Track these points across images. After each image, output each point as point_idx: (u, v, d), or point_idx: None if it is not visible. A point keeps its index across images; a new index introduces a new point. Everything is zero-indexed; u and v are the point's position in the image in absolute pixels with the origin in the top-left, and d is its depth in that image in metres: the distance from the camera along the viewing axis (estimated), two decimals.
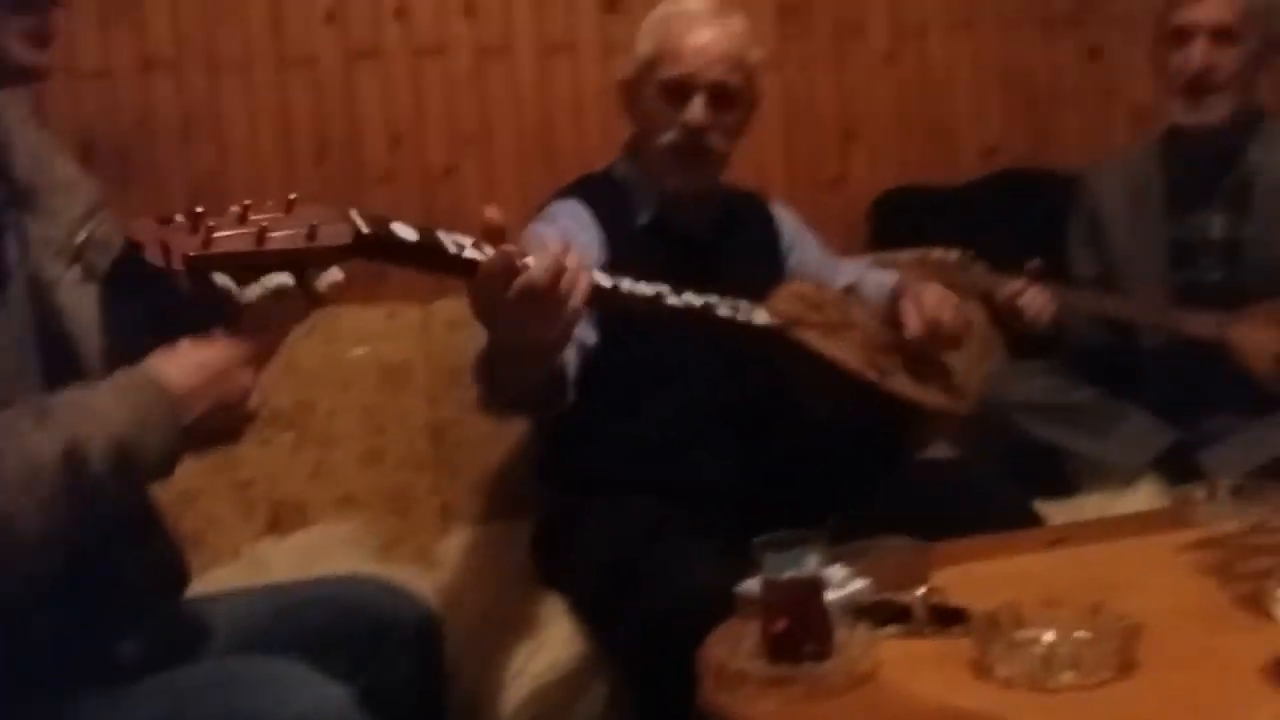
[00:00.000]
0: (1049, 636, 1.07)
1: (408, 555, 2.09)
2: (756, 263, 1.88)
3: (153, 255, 0.99)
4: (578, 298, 1.22)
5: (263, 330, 1.14)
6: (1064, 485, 2.02)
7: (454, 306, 2.23)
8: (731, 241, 1.87)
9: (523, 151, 2.51)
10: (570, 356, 1.50)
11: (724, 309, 1.58)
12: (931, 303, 1.81)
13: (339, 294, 1.08)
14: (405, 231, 1.13)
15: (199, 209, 1.02)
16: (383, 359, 2.17)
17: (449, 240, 1.17)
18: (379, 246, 1.10)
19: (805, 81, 2.68)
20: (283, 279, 1.04)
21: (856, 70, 2.71)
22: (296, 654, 1.19)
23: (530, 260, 1.18)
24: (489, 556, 1.98)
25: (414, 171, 2.48)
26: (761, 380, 1.75)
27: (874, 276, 2.03)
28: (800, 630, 1.09)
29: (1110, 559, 1.36)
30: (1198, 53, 2.04)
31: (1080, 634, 1.07)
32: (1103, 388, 2.14)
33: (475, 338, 1.48)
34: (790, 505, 1.66)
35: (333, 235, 1.05)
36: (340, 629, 1.32)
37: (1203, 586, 1.22)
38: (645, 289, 1.39)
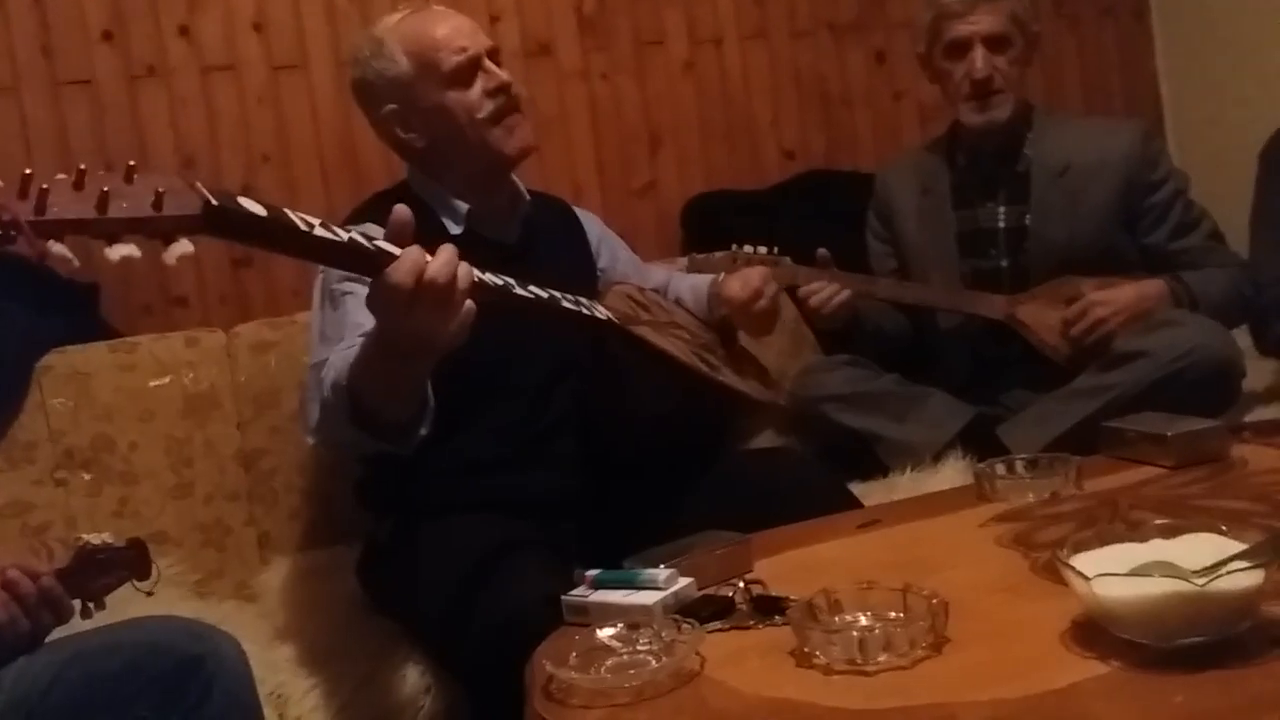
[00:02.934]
0: (863, 620, 1.11)
1: (227, 590, 2.02)
2: (568, 266, 1.88)
3: None
4: (469, 296, 1.23)
5: None
6: (876, 467, 2.10)
7: (257, 330, 2.17)
8: (541, 246, 1.87)
9: (325, 167, 2.46)
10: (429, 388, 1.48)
11: (567, 302, 1.58)
12: (755, 276, 1.90)
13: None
14: (253, 206, 1.09)
15: (27, 170, 0.95)
16: (186, 388, 2.08)
17: (297, 217, 1.13)
18: (227, 219, 1.06)
19: (611, 92, 2.71)
20: (129, 250, 0.99)
21: (659, 80, 2.76)
22: (92, 704, 1.13)
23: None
24: (312, 586, 1.92)
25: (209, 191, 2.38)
26: (594, 385, 1.75)
27: (686, 280, 2.07)
28: None
29: (919, 538, 1.41)
30: (979, 61, 2.17)
31: (893, 615, 1.10)
32: (902, 374, 2.24)
33: (322, 367, 1.47)
34: (628, 507, 1.67)
35: (180, 205, 1.01)
36: (141, 672, 1.27)
37: (1006, 559, 1.28)
38: (494, 279, 1.38)
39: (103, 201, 0.97)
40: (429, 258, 1.20)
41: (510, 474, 1.72)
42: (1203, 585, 0.94)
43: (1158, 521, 1.12)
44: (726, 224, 2.49)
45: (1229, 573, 0.95)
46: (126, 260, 0.99)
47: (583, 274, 1.89)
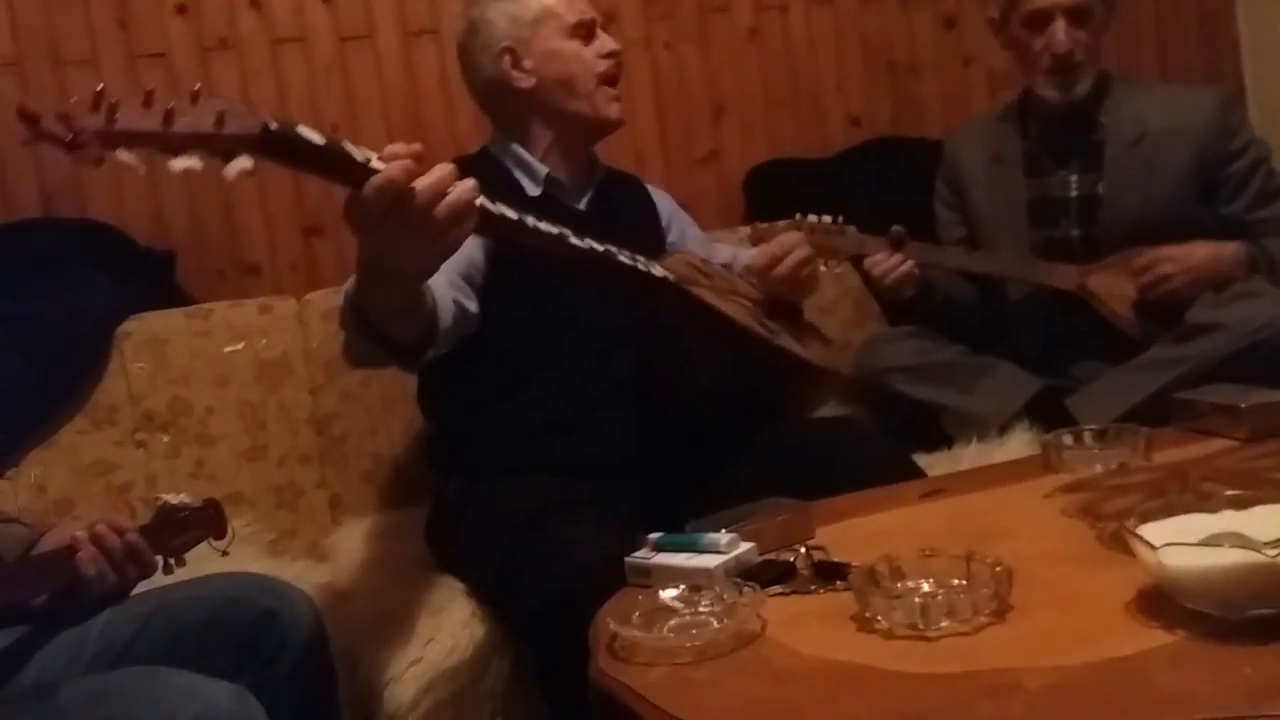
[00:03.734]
0: (926, 586, 1.11)
1: (299, 550, 2.07)
2: (638, 237, 1.90)
3: (51, 128, 0.98)
4: (460, 220, 1.19)
5: None
6: (941, 439, 2.09)
7: (329, 298, 2.20)
8: (612, 214, 1.89)
9: (392, 137, 2.47)
10: (445, 301, 1.49)
11: (624, 257, 1.59)
12: (777, 243, 1.89)
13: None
14: (311, 134, 1.12)
15: (99, 86, 1.01)
16: (259, 354, 2.12)
17: (355, 149, 1.15)
18: (285, 144, 1.10)
19: (674, 61, 2.71)
20: (191, 162, 1.03)
21: (722, 47, 2.74)
22: (173, 654, 1.17)
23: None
24: (382, 547, 1.96)
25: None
26: (653, 348, 1.76)
27: (748, 254, 2.06)
28: None
29: (983, 508, 1.41)
30: (1061, 34, 2.11)
31: (955, 582, 1.10)
32: (970, 344, 2.22)
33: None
34: (687, 472, 1.69)
35: (240, 125, 1.05)
36: (219, 627, 1.31)
37: (1071, 529, 1.27)
38: (549, 228, 1.39)
39: (168, 117, 1.02)
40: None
41: (570, 437, 1.74)
42: (1274, 556, 0.93)
43: (1228, 493, 1.11)
44: (790, 192, 2.47)
45: None
46: (188, 174, 1.04)
47: (650, 247, 1.89)
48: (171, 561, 1.41)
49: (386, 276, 1.28)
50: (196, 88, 1.06)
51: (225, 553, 1.49)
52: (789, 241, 1.89)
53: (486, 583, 1.65)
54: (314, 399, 2.14)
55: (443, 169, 1.18)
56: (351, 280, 1.44)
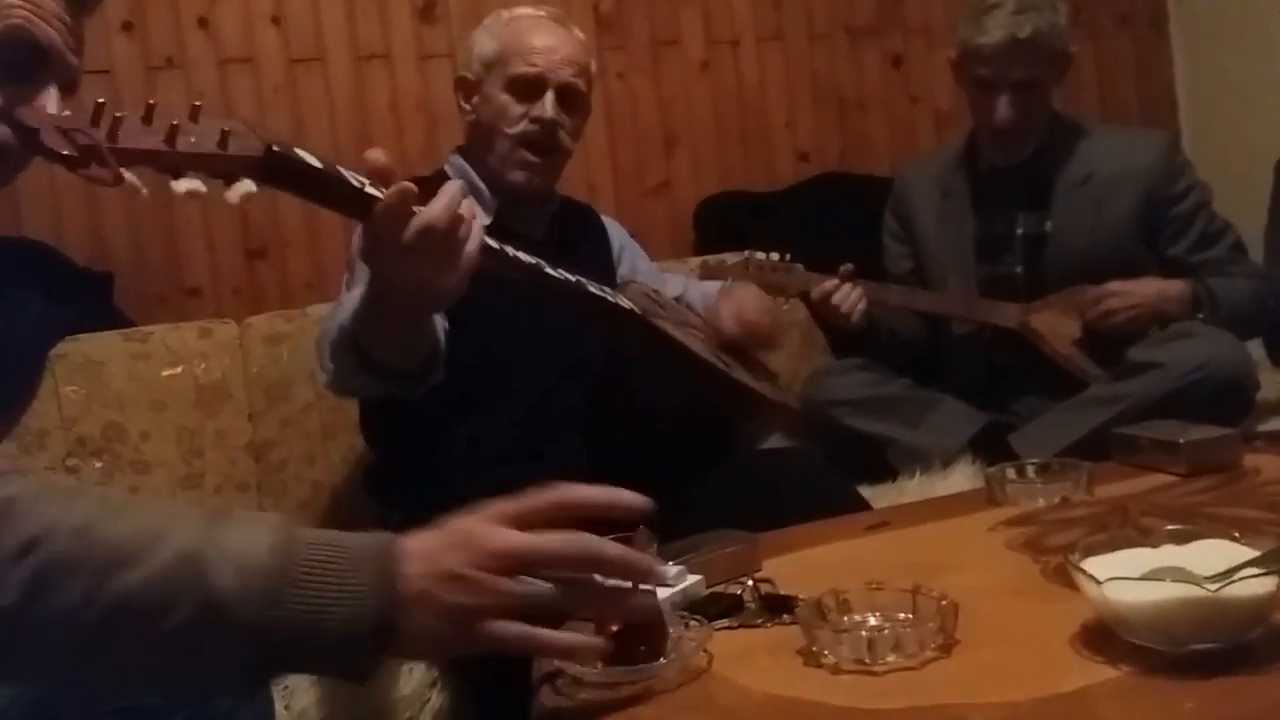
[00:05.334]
0: (872, 620, 1.10)
1: None
2: (588, 268, 1.89)
3: (50, 142, 0.92)
4: (472, 245, 1.20)
5: None
6: (885, 471, 2.10)
7: (270, 322, 2.17)
8: (565, 246, 1.88)
9: (339, 161, 2.45)
10: (440, 332, 1.49)
11: (593, 287, 1.58)
12: (750, 306, 1.87)
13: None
14: (310, 157, 1.10)
15: (100, 100, 0.96)
16: (198, 378, 2.08)
17: (349, 174, 1.14)
18: (286, 166, 1.07)
19: (626, 91, 2.72)
20: (194, 185, 1.00)
21: (674, 80, 2.76)
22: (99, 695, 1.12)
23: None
24: None
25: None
26: (604, 379, 1.76)
27: (698, 288, 2.08)
28: (633, 632, 1.09)
29: (929, 541, 1.41)
30: (1003, 110, 2.11)
31: (902, 616, 1.10)
32: (914, 378, 2.24)
33: (338, 309, 1.48)
34: None
35: (243, 146, 1.02)
36: None
37: (1015, 562, 1.27)
38: (527, 257, 1.37)
39: (171, 135, 0.98)
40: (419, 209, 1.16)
41: (517, 468, 1.72)
42: (1215, 591, 0.93)
43: (1169, 527, 1.11)
44: (739, 225, 2.49)
45: (1241, 579, 0.94)
46: (192, 196, 1.00)
47: (602, 278, 1.89)
48: None
49: (405, 305, 1.28)
50: (197, 104, 1.02)
51: None
52: (755, 305, 1.87)
53: None
54: (253, 425, 2.11)
55: (455, 186, 1.18)
56: (344, 312, 1.44)
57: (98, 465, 2.01)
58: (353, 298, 1.45)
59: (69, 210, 2.29)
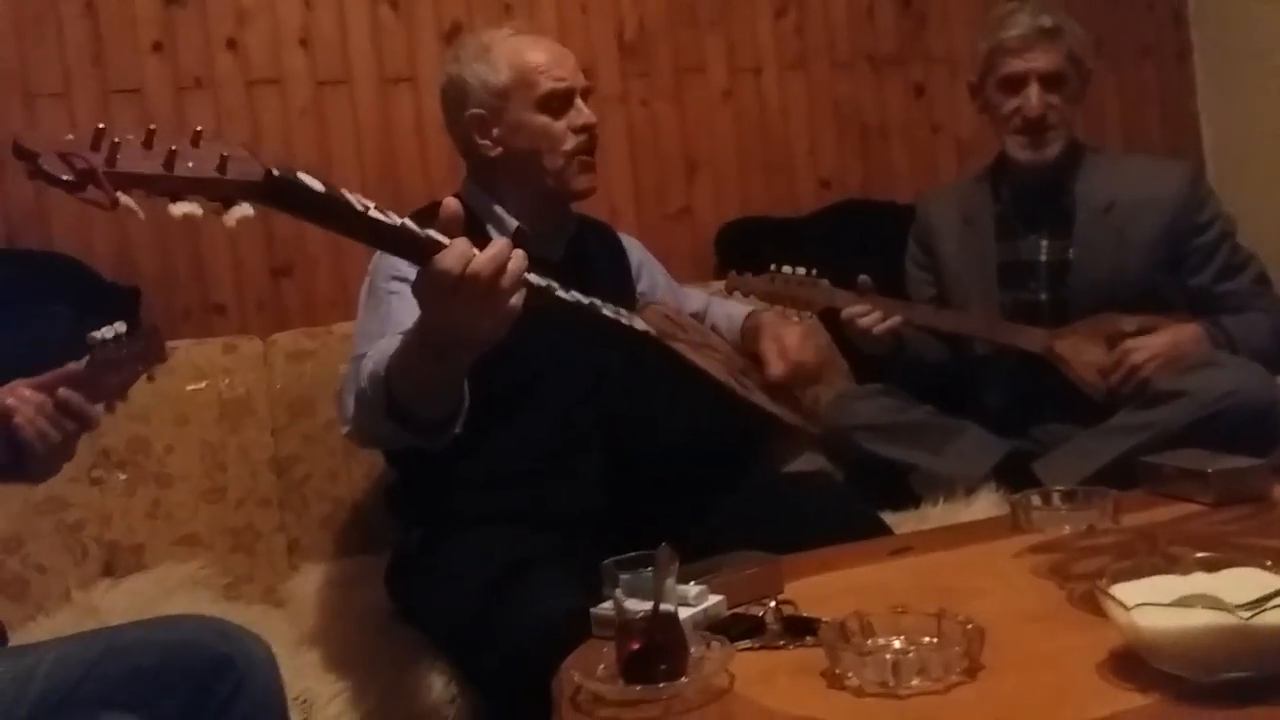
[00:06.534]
0: (897, 643, 1.10)
1: (255, 594, 2.03)
2: (608, 287, 1.90)
3: (50, 167, 0.94)
4: (516, 298, 1.25)
5: None
6: (908, 497, 2.09)
7: (295, 339, 2.18)
8: (584, 265, 1.88)
9: (365, 182, 2.48)
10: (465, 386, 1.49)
11: (608, 310, 1.58)
12: (794, 344, 1.86)
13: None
14: (312, 181, 1.12)
15: (100, 125, 0.98)
16: (222, 393, 2.09)
17: (353, 198, 1.16)
18: (287, 190, 1.09)
19: (649, 118, 2.74)
20: (191, 208, 1.01)
21: (697, 107, 2.78)
22: (122, 698, 1.13)
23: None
24: (340, 594, 1.93)
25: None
26: (624, 399, 1.76)
27: (723, 308, 2.07)
28: (654, 650, 1.09)
29: (953, 566, 1.40)
30: (1034, 98, 2.15)
31: (926, 640, 1.09)
32: (937, 404, 2.23)
33: (361, 360, 1.50)
34: (654, 524, 1.67)
35: (243, 171, 1.04)
36: (172, 670, 1.27)
37: (1041, 589, 1.27)
38: (537, 279, 1.38)
39: (170, 160, 1.00)
40: (476, 251, 1.21)
41: (537, 487, 1.72)
42: (1247, 619, 0.92)
43: (1199, 555, 1.11)
44: (761, 250, 2.48)
45: (1274, 607, 0.93)
46: (188, 219, 1.02)
47: (622, 296, 1.89)
48: (116, 403, 1.37)
49: (450, 349, 1.31)
50: (199, 129, 1.04)
51: (151, 378, 1.45)
52: (800, 343, 1.87)
53: (449, 635, 1.62)
54: (275, 441, 2.11)
55: (502, 243, 1.23)
56: (375, 359, 1.46)
57: (122, 478, 2.02)
58: (388, 344, 1.47)
59: (98, 226, 2.31)
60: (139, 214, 1.00)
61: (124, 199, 0.98)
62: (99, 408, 1.35)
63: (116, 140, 0.97)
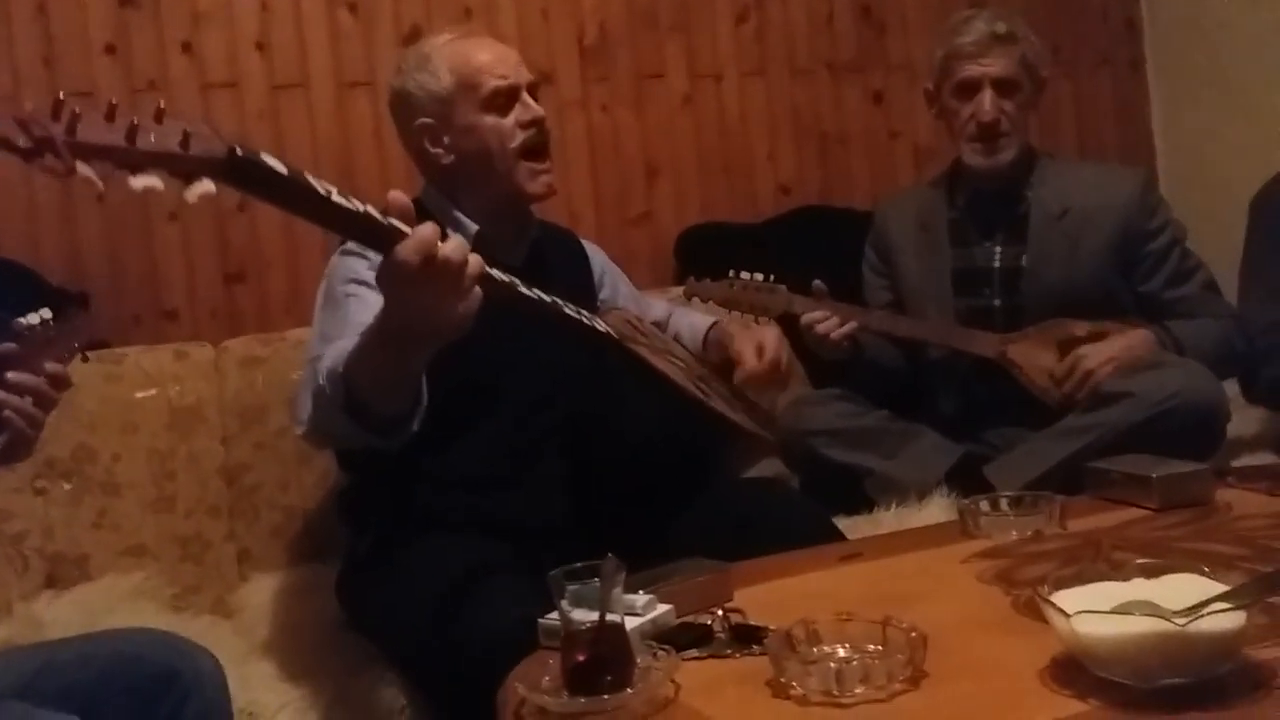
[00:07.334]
0: (841, 651, 1.10)
1: (203, 605, 2.00)
2: (569, 293, 1.89)
3: (6, 131, 0.94)
4: (476, 283, 1.25)
5: None
6: (862, 502, 2.09)
7: (246, 346, 2.16)
8: (546, 270, 1.87)
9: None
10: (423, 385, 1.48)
11: (569, 309, 1.58)
12: (771, 344, 1.86)
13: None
14: (275, 163, 1.11)
15: (60, 94, 0.98)
16: (172, 401, 2.06)
17: (316, 182, 1.15)
18: (249, 169, 1.08)
19: (609, 123, 2.73)
20: (151, 181, 1.00)
21: (657, 113, 2.78)
22: (67, 710, 1.11)
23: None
24: (291, 604, 1.91)
25: (205, 208, 2.39)
26: (584, 403, 1.75)
27: (685, 317, 2.08)
28: (599, 661, 1.08)
29: (901, 572, 1.41)
30: (988, 103, 2.17)
31: (871, 647, 1.09)
32: (892, 409, 2.24)
33: (316, 361, 1.49)
34: (612, 531, 1.66)
35: (205, 148, 1.03)
36: (116, 683, 1.26)
37: (986, 595, 1.27)
38: (500, 275, 1.38)
39: (132, 133, 0.99)
40: (440, 241, 1.21)
41: (494, 493, 1.71)
42: (1184, 625, 0.93)
43: (1140, 561, 1.12)
44: (720, 255, 2.48)
45: (1211, 614, 0.94)
46: (148, 192, 1.01)
47: (583, 302, 1.88)
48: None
49: (410, 340, 1.31)
50: (160, 104, 1.04)
51: (86, 358, 1.43)
52: (775, 345, 1.87)
53: (399, 645, 1.61)
54: (226, 449, 2.09)
55: (460, 238, 1.23)
56: (332, 357, 1.45)
57: (66, 487, 1.99)
58: (346, 344, 1.45)
59: (46, 231, 2.28)
60: (97, 184, 1.00)
61: (82, 168, 0.98)
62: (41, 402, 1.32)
63: (77, 111, 0.97)
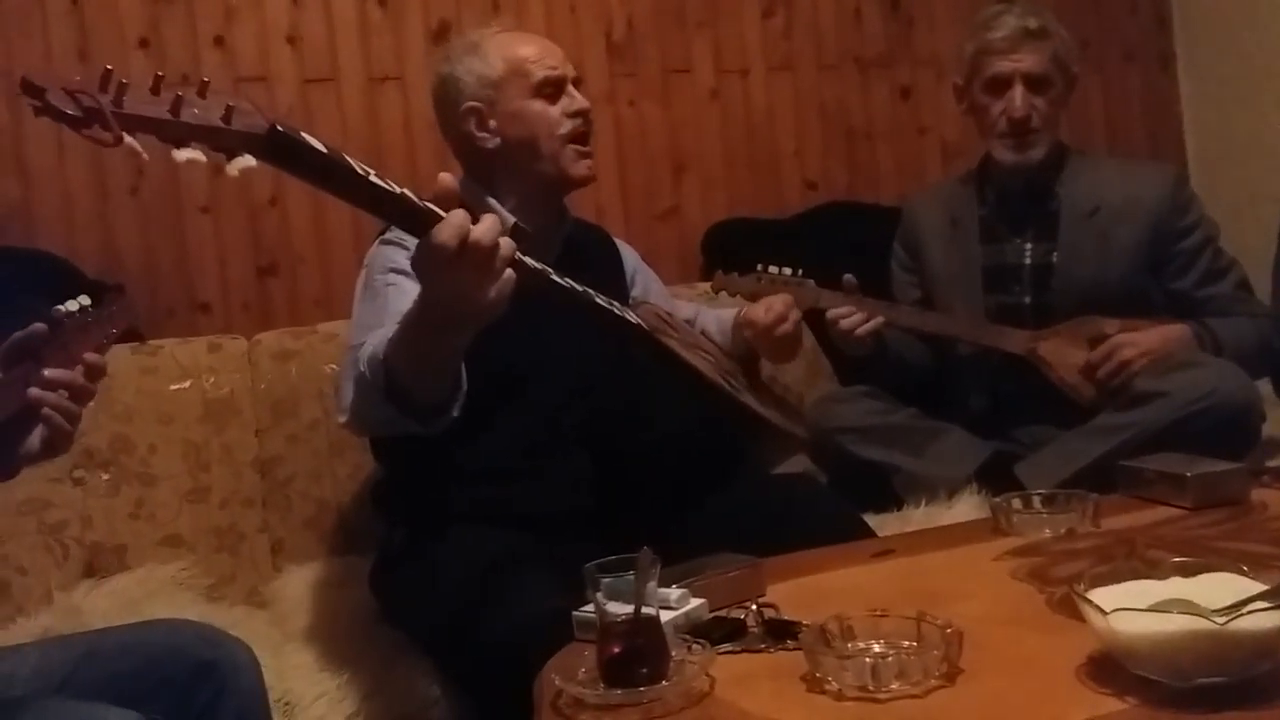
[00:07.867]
0: (876, 647, 1.10)
1: (238, 595, 2.03)
2: (603, 287, 1.90)
3: (57, 101, 0.96)
4: (510, 265, 1.27)
5: None
6: (890, 499, 2.09)
7: (279, 339, 2.18)
8: (579, 265, 1.88)
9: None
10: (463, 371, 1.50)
11: (600, 299, 1.59)
12: (779, 302, 1.93)
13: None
14: (315, 142, 1.13)
15: (108, 66, 1.00)
16: (206, 393, 2.09)
17: (355, 163, 1.17)
18: (290, 146, 1.10)
19: (636, 118, 2.74)
20: (194, 154, 1.02)
21: (684, 108, 2.78)
22: (107, 701, 1.13)
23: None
24: (324, 595, 1.93)
25: (237, 201, 2.42)
26: (613, 396, 1.76)
27: (713, 313, 2.08)
28: (634, 654, 1.09)
29: (934, 569, 1.41)
30: (1019, 99, 2.16)
31: (906, 643, 1.10)
32: (921, 407, 2.23)
33: (357, 349, 1.51)
34: (641, 525, 1.67)
35: (247, 123, 1.05)
36: (155, 674, 1.27)
37: (1020, 592, 1.27)
38: (533, 263, 1.39)
39: (176, 106, 1.01)
40: (472, 224, 1.23)
41: (524, 484, 1.72)
42: (1223, 624, 0.93)
43: (1176, 560, 1.11)
44: (747, 251, 2.48)
45: (1250, 612, 0.94)
46: (191, 164, 1.04)
47: (615, 298, 1.90)
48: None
49: (449, 323, 1.33)
50: (206, 80, 1.06)
51: (124, 339, 1.46)
52: (785, 301, 1.93)
53: (432, 636, 1.62)
54: (260, 441, 2.11)
55: (493, 217, 1.25)
56: (374, 344, 1.47)
57: (104, 477, 2.02)
58: (386, 332, 1.47)
59: (81, 223, 2.30)
60: (142, 155, 1.02)
61: (129, 139, 0.99)
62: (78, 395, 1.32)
63: (124, 82, 0.99)
